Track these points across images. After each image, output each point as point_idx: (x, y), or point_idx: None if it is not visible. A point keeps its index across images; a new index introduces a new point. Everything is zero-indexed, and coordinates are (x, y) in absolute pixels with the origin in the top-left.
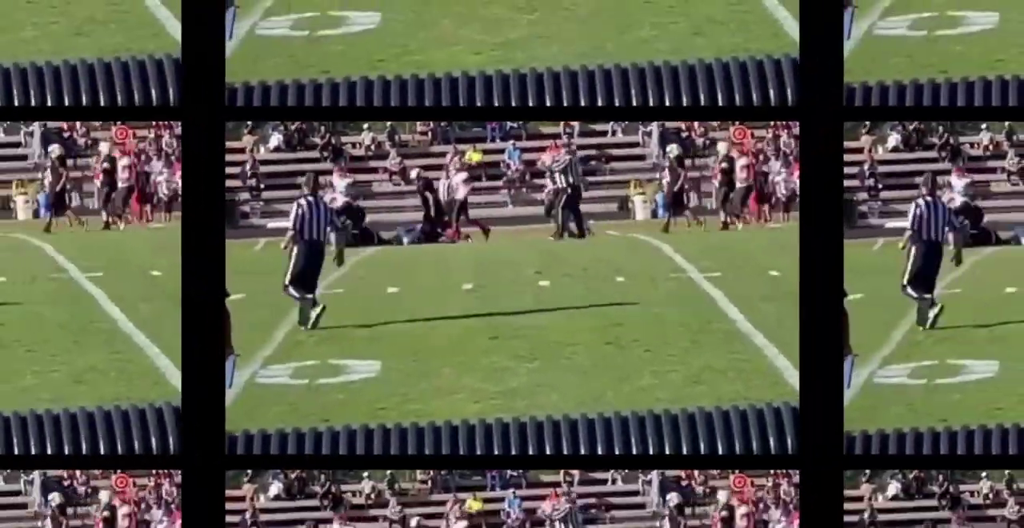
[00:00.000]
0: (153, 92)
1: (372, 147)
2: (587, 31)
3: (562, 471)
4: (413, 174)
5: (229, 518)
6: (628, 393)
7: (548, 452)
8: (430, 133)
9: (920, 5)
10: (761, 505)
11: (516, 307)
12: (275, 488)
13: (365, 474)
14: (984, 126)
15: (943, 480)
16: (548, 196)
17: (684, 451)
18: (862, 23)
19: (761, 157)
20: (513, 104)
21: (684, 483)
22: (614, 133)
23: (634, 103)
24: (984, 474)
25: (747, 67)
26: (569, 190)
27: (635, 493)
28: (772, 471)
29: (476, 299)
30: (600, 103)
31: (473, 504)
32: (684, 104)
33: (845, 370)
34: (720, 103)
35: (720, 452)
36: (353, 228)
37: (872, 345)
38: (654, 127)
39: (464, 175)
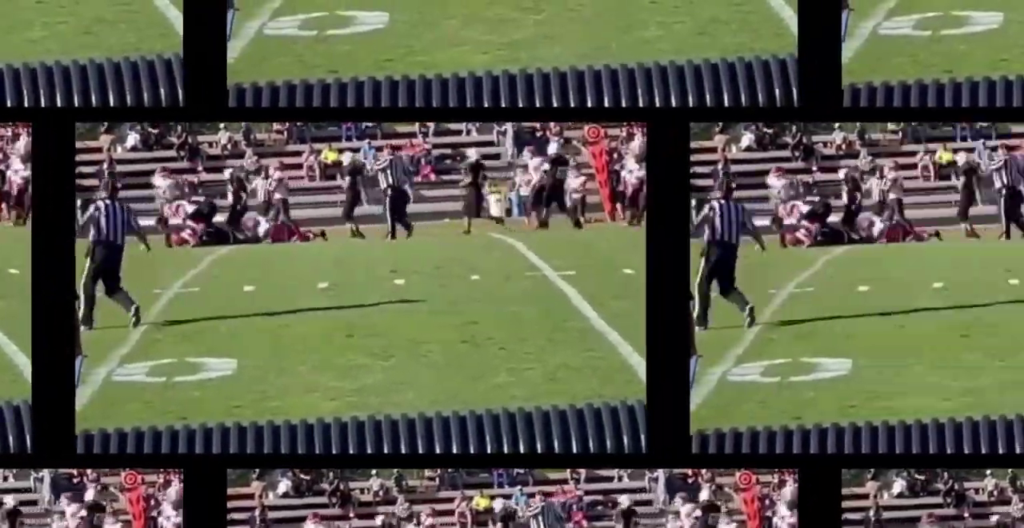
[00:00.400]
0: (162, 91)
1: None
2: (591, 31)
3: (568, 469)
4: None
5: (237, 516)
6: (483, 391)
7: (403, 451)
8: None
9: (925, 5)
10: (767, 501)
11: (371, 305)
12: (283, 486)
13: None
14: (837, 126)
15: (948, 478)
16: (347, 196)
17: (539, 449)
18: (868, 23)
19: (615, 155)
20: (520, 104)
21: (691, 480)
22: (469, 132)
23: (640, 103)
24: (989, 472)
25: (752, 67)
26: (390, 190)
27: (642, 490)
28: (776, 469)
29: (331, 297)
30: (607, 103)
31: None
32: (690, 104)
33: (690, 370)
34: (726, 103)
35: (575, 451)
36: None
37: (726, 343)
38: (508, 127)
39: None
